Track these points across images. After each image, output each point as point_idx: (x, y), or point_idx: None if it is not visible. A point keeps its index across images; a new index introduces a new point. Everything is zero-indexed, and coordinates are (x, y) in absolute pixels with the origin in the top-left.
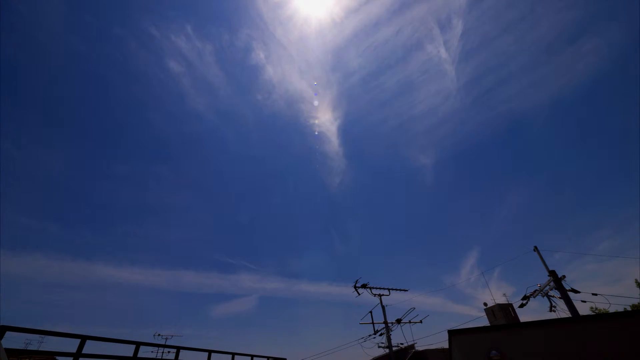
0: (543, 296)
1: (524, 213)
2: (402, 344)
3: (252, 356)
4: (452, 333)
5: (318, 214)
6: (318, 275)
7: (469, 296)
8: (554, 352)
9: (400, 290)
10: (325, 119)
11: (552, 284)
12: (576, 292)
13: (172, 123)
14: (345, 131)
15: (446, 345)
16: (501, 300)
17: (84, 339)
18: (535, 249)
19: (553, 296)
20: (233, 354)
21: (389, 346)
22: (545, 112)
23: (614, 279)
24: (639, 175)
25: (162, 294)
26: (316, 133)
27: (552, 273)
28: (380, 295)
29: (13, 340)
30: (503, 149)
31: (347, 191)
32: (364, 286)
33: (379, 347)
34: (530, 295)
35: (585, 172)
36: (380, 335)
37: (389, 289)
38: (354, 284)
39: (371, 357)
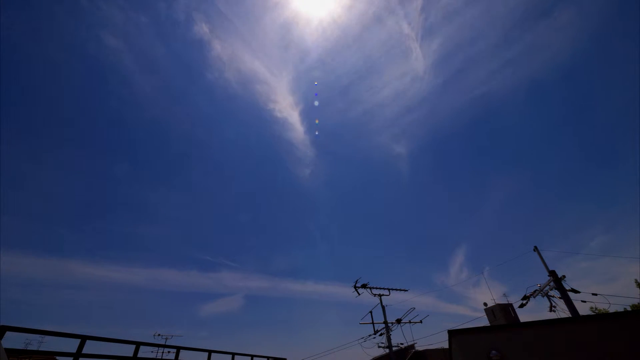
0: (543, 296)
1: (509, 208)
2: (402, 344)
3: (252, 356)
4: (452, 333)
5: (292, 208)
6: (304, 274)
7: (460, 295)
8: (554, 352)
9: (400, 290)
10: (285, 103)
11: (552, 284)
12: (576, 292)
13: (127, 108)
14: (309, 118)
15: (446, 345)
16: (499, 300)
17: (84, 339)
18: (535, 249)
19: (553, 296)
20: (233, 354)
21: (389, 346)
22: (522, 96)
23: (607, 278)
24: (629, 164)
25: (144, 292)
26: (278, 117)
27: (552, 273)
28: (380, 295)
29: (13, 340)
30: (481, 139)
31: (320, 183)
32: (363, 286)
33: (379, 347)
34: (530, 295)
35: (570, 162)
36: (380, 335)
37: (389, 289)
38: (353, 283)
39: (371, 357)
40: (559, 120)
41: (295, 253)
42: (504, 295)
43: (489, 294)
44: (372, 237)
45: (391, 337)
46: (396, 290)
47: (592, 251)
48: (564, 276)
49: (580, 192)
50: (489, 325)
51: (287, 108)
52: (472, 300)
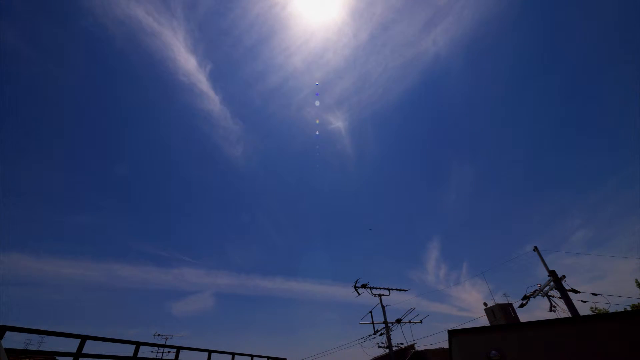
0: (543, 296)
1: (476, 194)
2: (402, 344)
3: (252, 356)
4: (452, 333)
5: (233, 195)
6: (271, 270)
7: (443, 294)
8: (554, 352)
9: (400, 290)
10: (190, 66)
11: (552, 284)
12: (576, 292)
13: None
14: (222, 83)
15: (446, 345)
16: (485, 298)
17: (84, 339)
18: (535, 249)
19: (553, 296)
20: (233, 354)
21: (389, 346)
22: (462, 59)
23: (595, 276)
24: (606, 142)
25: (103, 290)
26: (184, 82)
27: (552, 273)
28: (380, 295)
29: (13, 341)
30: (426, 111)
31: (256, 165)
32: (363, 286)
33: (379, 347)
34: (531, 295)
35: (536, 140)
36: (381, 335)
37: (389, 289)
38: (354, 283)
39: (371, 357)
40: (509, 89)
41: (252, 248)
42: (504, 295)
43: (472, 293)
44: (328, 229)
45: (391, 337)
46: (396, 290)
47: (575, 246)
48: (564, 276)
49: (551, 179)
50: (489, 325)
51: (192, 70)
52: (455, 300)
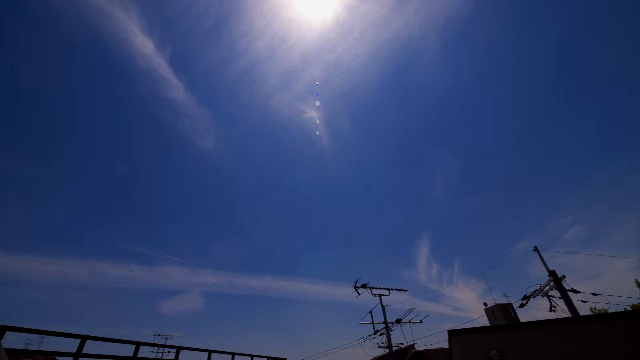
0: (543, 296)
1: (463, 189)
2: (402, 344)
3: (252, 356)
4: (452, 333)
5: (209, 190)
6: (258, 269)
7: (438, 294)
8: (554, 352)
9: (400, 290)
10: (148, 49)
11: (552, 284)
12: (576, 292)
13: None
14: (184, 68)
15: (446, 345)
16: (479, 297)
17: (84, 339)
18: (535, 249)
19: (553, 296)
20: (233, 354)
21: (389, 346)
22: (437, 41)
23: (588, 275)
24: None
25: (88, 289)
26: (143, 67)
27: (552, 273)
28: (380, 295)
29: (13, 340)
30: (403, 99)
31: (230, 156)
32: (363, 286)
33: (379, 347)
34: (531, 295)
35: (522, 129)
36: (380, 335)
37: (389, 289)
38: (353, 283)
39: (371, 357)
40: (484, 73)
41: (235, 245)
42: (504, 295)
43: (466, 292)
44: (315, 226)
45: (391, 337)
46: (396, 290)
47: (569, 244)
48: (564, 276)
49: (540, 174)
50: (489, 325)
51: (152, 56)
52: (449, 299)
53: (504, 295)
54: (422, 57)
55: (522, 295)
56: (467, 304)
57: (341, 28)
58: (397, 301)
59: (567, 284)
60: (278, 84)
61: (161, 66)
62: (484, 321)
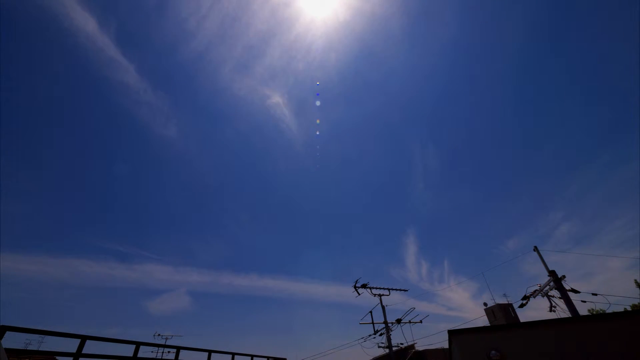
0: (543, 296)
1: (446, 183)
2: (402, 344)
3: (252, 356)
4: (452, 333)
5: (173, 183)
6: (243, 267)
7: (430, 294)
8: (554, 352)
9: (400, 290)
10: (91, 27)
11: (552, 284)
12: (576, 292)
13: None
14: (134, 48)
15: (446, 345)
16: (472, 298)
17: (84, 339)
18: (535, 249)
19: (553, 296)
20: (233, 354)
21: (389, 346)
22: (402, 18)
23: (582, 274)
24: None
25: (68, 287)
26: (86, 44)
27: (552, 273)
28: (380, 295)
29: (13, 341)
30: (372, 82)
31: (195, 145)
32: (363, 286)
33: (379, 347)
34: (531, 295)
35: (503, 115)
36: (380, 335)
37: (389, 289)
38: (353, 283)
39: (371, 357)
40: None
41: (213, 243)
42: (504, 295)
43: (458, 292)
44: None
45: (391, 337)
46: (396, 290)
47: (561, 243)
48: (564, 276)
49: (525, 167)
50: (489, 325)
51: (96, 35)
52: (442, 298)
53: (504, 295)
54: (387, 36)
55: (516, 294)
56: (461, 304)
57: (296, 4)
58: (391, 301)
59: (567, 284)
60: (237, 66)
61: (107, 45)
62: (483, 321)
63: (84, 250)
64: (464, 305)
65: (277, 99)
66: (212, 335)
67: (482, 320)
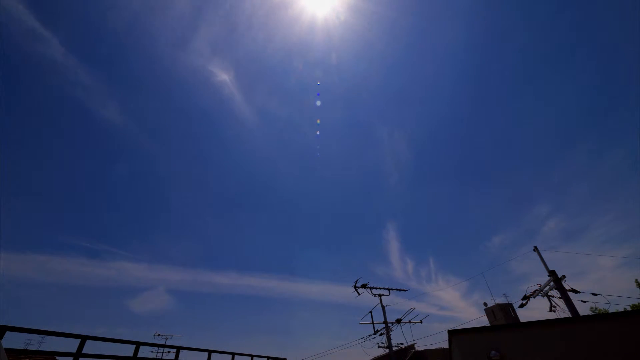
0: (543, 296)
1: (420, 177)
2: (402, 344)
3: (252, 356)
4: (452, 333)
5: (126, 171)
6: (223, 265)
7: (419, 292)
8: (554, 352)
9: (400, 290)
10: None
11: (552, 284)
12: (576, 292)
13: None
14: (54, 18)
15: (446, 345)
16: (463, 297)
17: (84, 339)
18: (535, 249)
19: (553, 296)
20: (233, 354)
21: (389, 346)
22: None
23: (574, 273)
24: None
25: (40, 286)
26: None
27: (552, 273)
28: (380, 295)
29: (13, 341)
30: (326, 62)
31: (139, 126)
32: (363, 286)
33: (379, 347)
34: (531, 295)
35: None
36: (380, 335)
37: (389, 289)
38: (354, 284)
39: (371, 357)
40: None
41: (183, 239)
42: (504, 295)
43: (448, 291)
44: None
45: (391, 337)
46: (396, 290)
47: (549, 240)
48: (564, 276)
49: (505, 157)
50: (489, 325)
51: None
52: (432, 298)
53: (504, 295)
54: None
55: (506, 292)
56: (453, 303)
57: None
58: (383, 301)
59: (566, 284)
60: (173, 39)
61: (20, 12)
62: (478, 322)
63: (51, 247)
64: (456, 305)
65: (223, 77)
66: (204, 336)
67: (478, 322)
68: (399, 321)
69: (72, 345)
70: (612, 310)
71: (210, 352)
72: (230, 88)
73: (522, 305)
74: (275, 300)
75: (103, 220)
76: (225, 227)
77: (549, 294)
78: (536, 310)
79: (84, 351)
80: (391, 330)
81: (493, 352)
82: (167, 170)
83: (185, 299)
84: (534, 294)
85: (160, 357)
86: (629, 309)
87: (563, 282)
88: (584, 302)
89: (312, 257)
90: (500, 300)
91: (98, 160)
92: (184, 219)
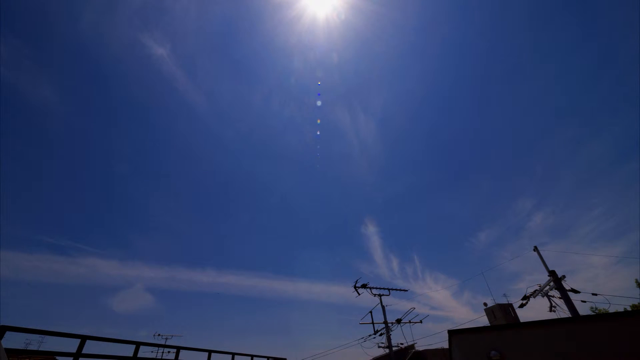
0: (543, 296)
1: (390, 164)
2: (402, 344)
3: (252, 356)
4: (452, 333)
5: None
6: (200, 262)
7: (409, 292)
8: (554, 352)
9: (400, 290)
10: None
11: (552, 284)
12: (576, 292)
13: None
14: None
15: (446, 345)
16: (454, 295)
17: (84, 339)
18: (535, 249)
19: (553, 296)
20: (233, 354)
21: (389, 346)
22: None
23: (564, 271)
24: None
25: (11, 285)
26: None
27: (552, 273)
28: (380, 295)
29: (13, 341)
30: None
31: (77, 107)
32: (364, 286)
33: (379, 347)
34: (530, 295)
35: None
36: (380, 335)
37: (389, 289)
38: (354, 284)
39: (371, 357)
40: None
41: (151, 234)
42: (504, 295)
43: (438, 291)
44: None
45: (391, 337)
46: (396, 290)
47: (536, 236)
48: (564, 276)
49: (482, 146)
50: (489, 325)
51: None
52: (423, 297)
53: (504, 295)
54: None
55: (495, 290)
56: (443, 303)
57: None
58: (375, 301)
59: (566, 284)
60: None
61: None
62: (482, 322)
63: (13, 242)
64: (447, 304)
65: (159, 51)
66: (193, 335)
67: (477, 322)
68: (399, 321)
69: (72, 345)
70: (612, 310)
71: (210, 352)
72: (168, 62)
73: (522, 305)
74: (260, 299)
75: (63, 215)
76: (195, 224)
77: (549, 294)
78: (532, 311)
79: (84, 351)
80: (391, 331)
81: (493, 352)
82: (121, 161)
83: (166, 297)
84: (534, 294)
85: (160, 357)
86: (629, 308)
87: (563, 282)
88: (584, 302)
89: (289, 254)
90: (500, 301)
91: (41, 149)
92: (151, 215)
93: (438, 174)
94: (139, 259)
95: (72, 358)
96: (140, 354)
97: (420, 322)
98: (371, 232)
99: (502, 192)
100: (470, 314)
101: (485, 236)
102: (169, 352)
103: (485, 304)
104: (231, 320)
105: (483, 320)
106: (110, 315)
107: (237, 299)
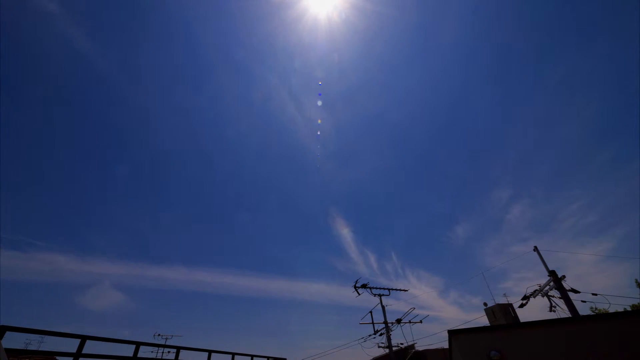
0: (543, 296)
1: (352, 152)
2: (402, 343)
3: (252, 356)
4: (452, 333)
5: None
6: (171, 260)
7: (392, 291)
8: (554, 352)
9: (400, 290)
10: None
11: (552, 284)
12: (576, 292)
13: None
14: None
15: (446, 345)
16: (442, 294)
17: (84, 339)
18: (535, 249)
19: (553, 296)
20: (233, 354)
21: (389, 346)
22: None
23: (550, 268)
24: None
25: None
26: None
27: (552, 273)
28: (380, 295)
29: (13, 341)
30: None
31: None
32: (364, 286)
33: (379, 347)
34: (531, 295)
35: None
36: (380, 335)
37: (389, 289)
38: (354, 284)
39: (371, 357)
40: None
41: (109, 228)
42: (504, 295)
43: (422, 288)
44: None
45: (391, 337)
46: (396, 290)
47: (517, 230)
48: (564, 276)
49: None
50: (489, 325)
51: None
52: (406, 295)
53: (504, 295)
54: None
55: (480, 289)
56: (429, 302)
57: None
58: (368, 300)
59: (567, 284)
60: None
61: None
62: (483, 321)
63: None
64: (435, 304)
65: (54, 7)
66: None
67: (482, 321)
68: (399, 321)
69: (72, 345)
70: (612, 310)
71: (210, 352)
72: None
73: (522, 305)
74: (260, 299)
75: (7, 208)
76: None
77: (549, 294)
78: (529, 311)
79: (84, 351)
80: (391, 331)
81: (493, 352)
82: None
83: (139, 295)
84: (534, 294)
85: (160, 357)
86: (628, 308)
87: (563, 282)
88: (584, 302)
89: (264, 251)
90: (494, 300)
91: None
92: (106, 210)
93: (404, 160)
94: (98, 255)
95: (72, 358)
96: (140, 354)
97: (421, 322)
98: (339, 223)
99: (477, 181)
100: (459, 314)
101: (462, 230)
102: (169, 352)
103: (485, 304)
104: (231, 320)
105: (483, 321)
106: (89, 314)
107: (237, 299)
